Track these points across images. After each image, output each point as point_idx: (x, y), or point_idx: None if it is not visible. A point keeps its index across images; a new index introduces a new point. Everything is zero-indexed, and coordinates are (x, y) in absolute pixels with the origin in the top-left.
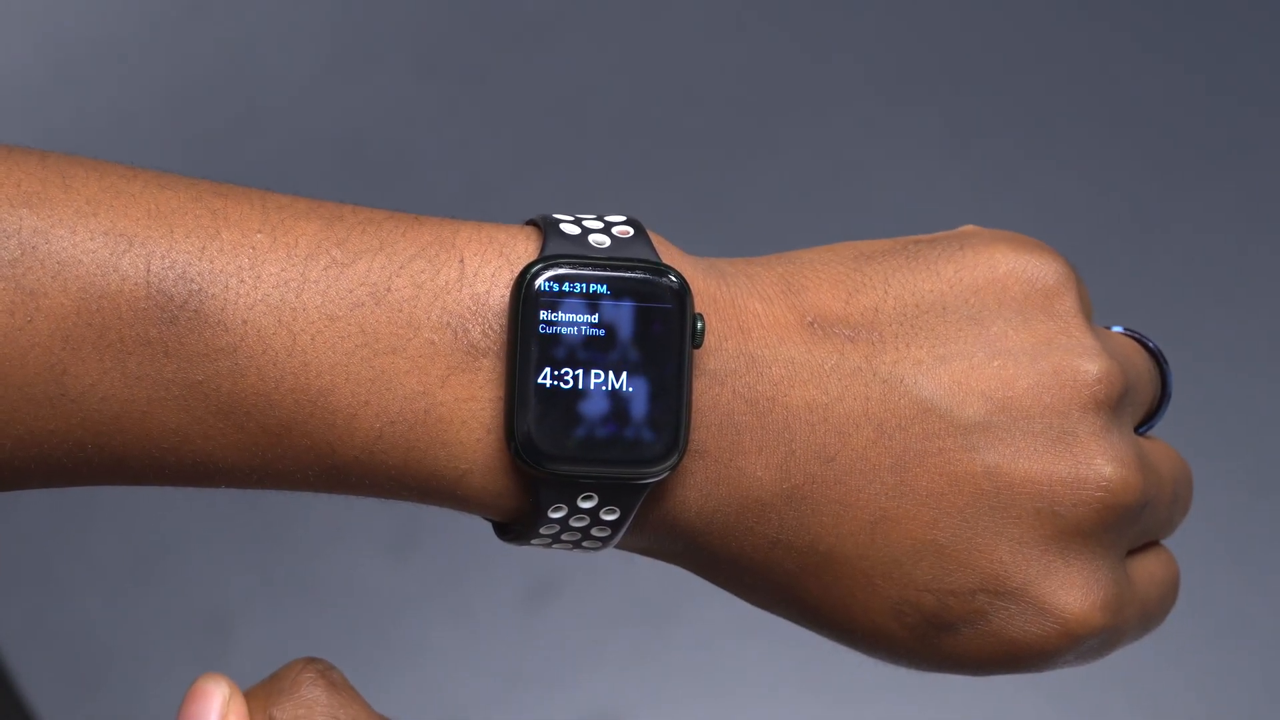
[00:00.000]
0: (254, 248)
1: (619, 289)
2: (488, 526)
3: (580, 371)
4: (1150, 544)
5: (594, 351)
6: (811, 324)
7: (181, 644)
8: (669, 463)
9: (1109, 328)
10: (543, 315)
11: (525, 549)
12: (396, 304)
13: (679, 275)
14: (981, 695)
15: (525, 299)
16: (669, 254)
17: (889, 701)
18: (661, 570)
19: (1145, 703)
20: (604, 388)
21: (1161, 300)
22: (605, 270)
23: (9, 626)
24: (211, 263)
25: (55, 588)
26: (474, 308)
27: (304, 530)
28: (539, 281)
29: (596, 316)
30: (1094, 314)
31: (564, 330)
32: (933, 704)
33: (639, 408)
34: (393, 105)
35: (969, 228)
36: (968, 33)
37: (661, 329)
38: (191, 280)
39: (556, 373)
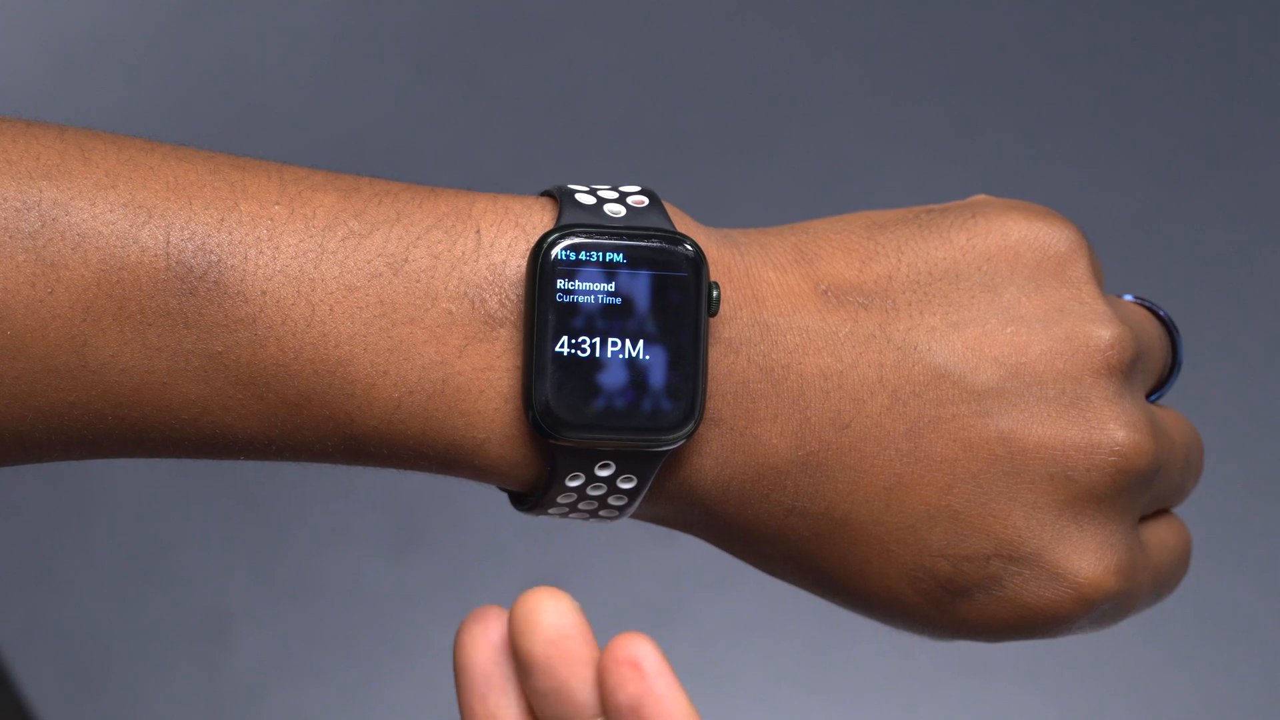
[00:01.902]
0: (272, 219)
1: (635, 258)
2: (487, 525)
3: (597, 340)
4: (1162, 511)
5: (611, 320)
6: (825, 292)
7: (181, 644)
8: (686, 430)
9: (1120, 296)
10: (560, 284)
11: (526, 542)
12: (414, 274)
13: (694, 244)
14: (981, 695)
15: (542, 268)
16: (684, 223)
17: (888, 702)
18: (661, 570)
19: (1145, 703)
20: (621, 356)
21: (1162, 300)
22: (621, 239)
23: (9, 626)
24: (230, 234)
25: (55, 588)
26: (491, 278)
27: (304, 530)
28: (556, 250)
29: (613, 285)
30: (1104, 286)
31: (581, 299)
32: (932, 704)
33: (656, 376)
34: (393, 105)
35: (980, 196)
36: (968, 31)
37: (678, 297)
38: (211, 251)
39: (574, 341)
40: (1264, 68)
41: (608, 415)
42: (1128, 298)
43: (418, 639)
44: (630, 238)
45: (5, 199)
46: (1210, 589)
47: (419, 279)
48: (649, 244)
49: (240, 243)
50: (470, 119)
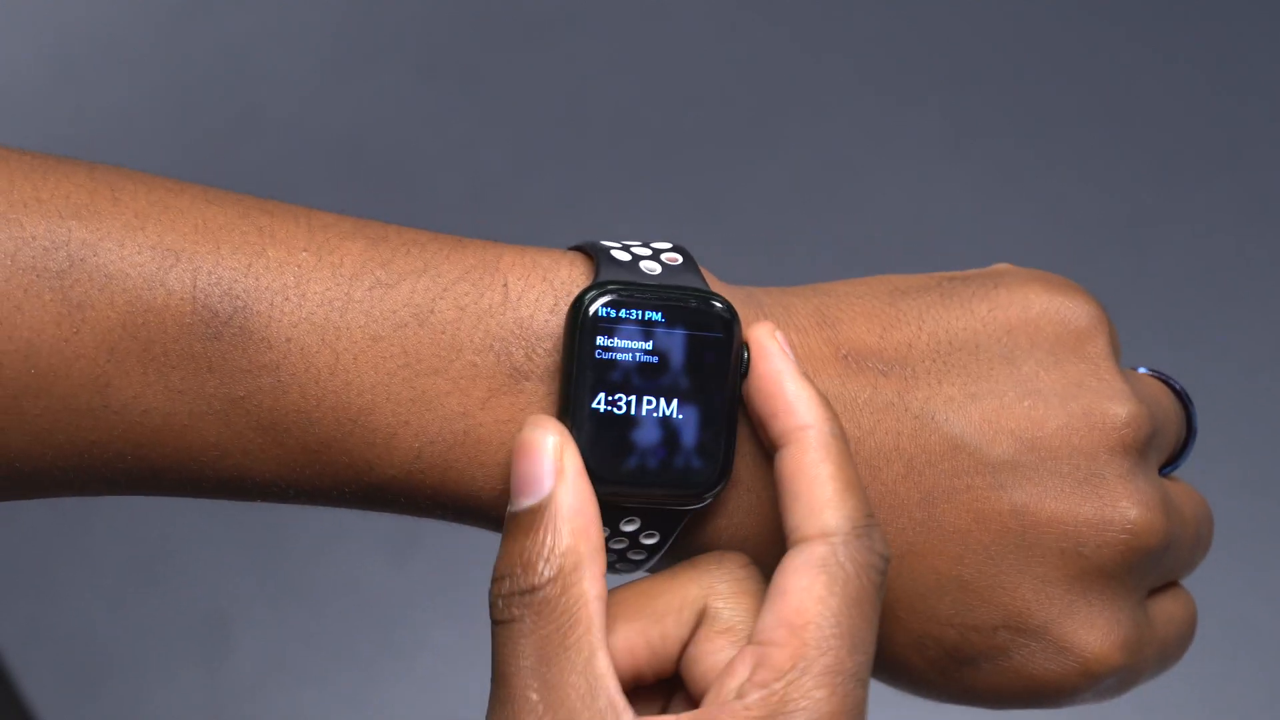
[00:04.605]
0: (299, 266)
1: (673, 317)
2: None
3: (633, 397)
4: (1169, 584)
5: (647, 378)
6: (846, 357)
7: (181, 645)
8: (715, 490)
9: (1135, 369)
10: (599, 340)
11: None
12: (440, 326)
13: (729, 305)
14: None
15: (582, 324)
16: (712, 283)
17: (888, 704)
18: None
19: (1145, 703)
20: (655, 414)
21: (1161, 300)
22: (660, 298)
23: (9, 628)
24: (257, 280)
25: (56, 589)
26: (517, 331)
27: (304, 531)
28: (595, 306)
29: (650, 344)
30: (1121, 359)
31: (619, 356)
32: (931, 707)
33: (689, 435)
34: (393, 106)
35: (1002, 266)
36: (968, 32)
37: (712, 358)
38: (237, 297)
39: (611, 398)
40: (1264, 68)
41: (640, 473)
42: (1142, 370)
43: (418, 640)
44: (668, 296)
45: (34, 238)
46: (1210, 589)
47: (444, 330)
48: (686, 304)
49: (267, 289)
50: (470, 119)
